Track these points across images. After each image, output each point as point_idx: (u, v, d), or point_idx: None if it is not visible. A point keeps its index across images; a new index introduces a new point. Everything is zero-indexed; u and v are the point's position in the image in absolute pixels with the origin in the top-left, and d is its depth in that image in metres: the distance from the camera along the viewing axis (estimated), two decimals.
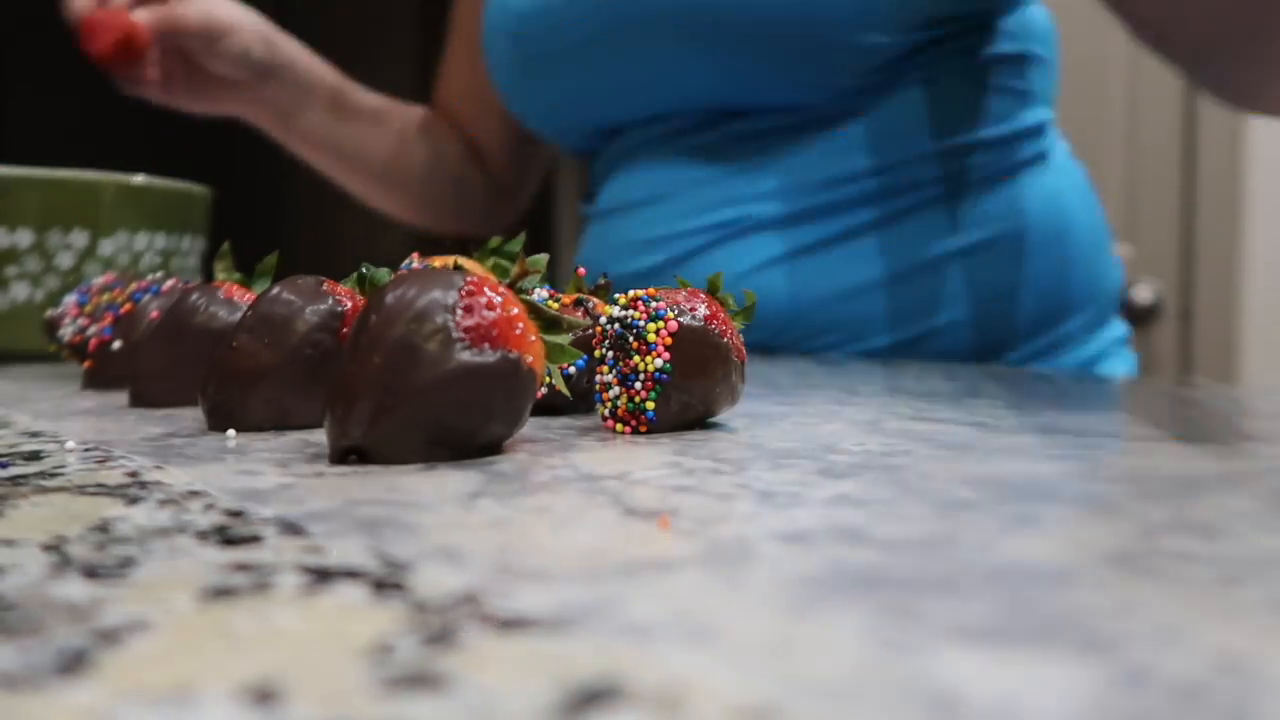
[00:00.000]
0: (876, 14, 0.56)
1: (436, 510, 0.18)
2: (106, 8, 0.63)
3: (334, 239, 2.13)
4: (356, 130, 0.78)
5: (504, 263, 0.36)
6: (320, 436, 0.27)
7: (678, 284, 0.29)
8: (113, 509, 0.18)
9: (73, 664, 0.11)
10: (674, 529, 0.17)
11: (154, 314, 0.39)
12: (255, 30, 0.70)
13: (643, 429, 0.27)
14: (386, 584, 0.14)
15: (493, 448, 0.25)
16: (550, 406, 0.31)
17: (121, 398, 0.35)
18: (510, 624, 0.13)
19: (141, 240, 0.55)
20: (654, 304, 0.27)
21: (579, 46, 0.63)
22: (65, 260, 0.53)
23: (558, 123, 0.70)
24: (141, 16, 0.64)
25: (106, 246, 0.54)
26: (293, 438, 0.27)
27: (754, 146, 0.61)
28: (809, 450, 0.25)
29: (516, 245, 0.38)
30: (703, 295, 0.28)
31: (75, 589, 0.14)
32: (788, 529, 0.17)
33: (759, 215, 0.60)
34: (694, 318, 0.27)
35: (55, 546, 0.16)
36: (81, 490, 0.20)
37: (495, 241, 0.38)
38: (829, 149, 0.60)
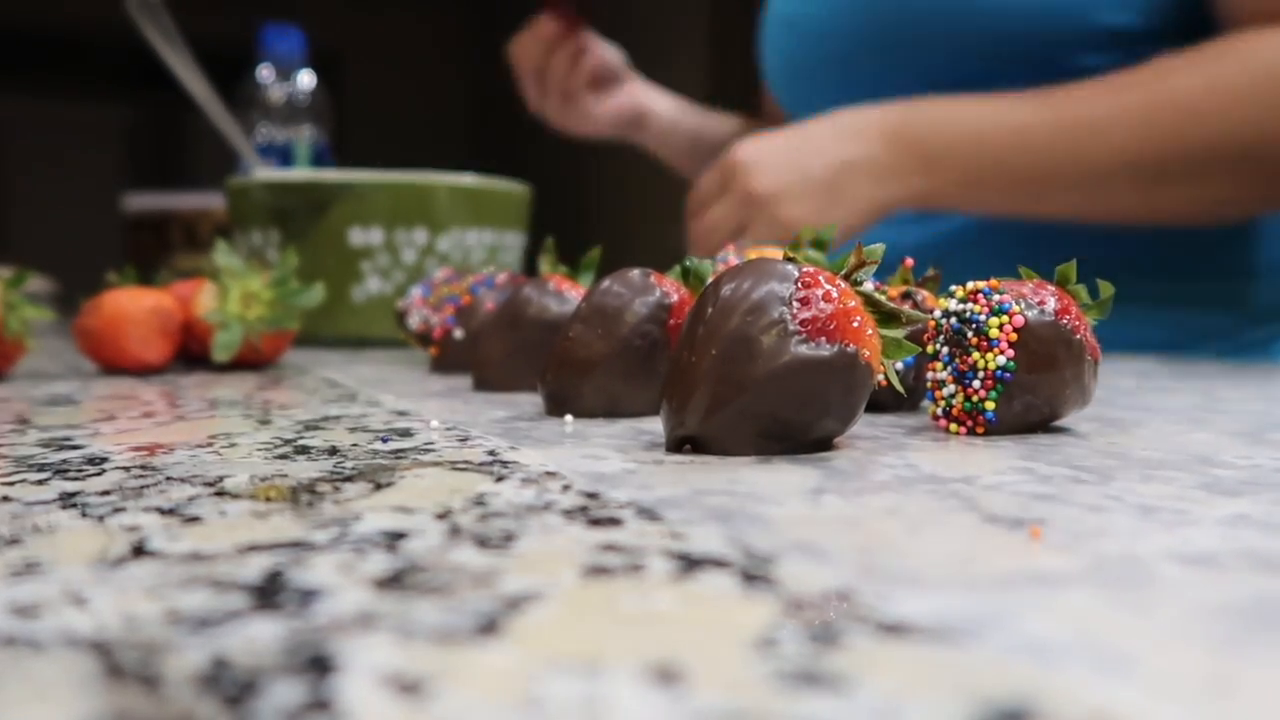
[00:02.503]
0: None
1: (783, 504, 0.18)
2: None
3: (634, 232, 2.23)
4: (709, 158, 0.85)
5: (815, 255, 0.36)
6: (651, 424, 0.28)
7: (1020, 275, 0.27)
8: (484, 485, 0.20)
9: (487, 627, 0.12)
10: (1048, 541, 0.16)
11: (489, 305, 0.42)
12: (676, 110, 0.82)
13: (980, 430, 0.26)
14: (755, 575, 0.14)
15: (824, 443, 0.24)
16: (874, 403, 0.30)
17: (465, 381, 0.39)
18: (894, 628, 0.12)
19: (472, 236, 0.60)
20: (997, 297, 0.25)
21: (843, 53, 0.66)
22: (409, 256, 0.58)
23: (819, 106, 0.72)
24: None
25: (443, 243, 0.59)
26: (625, 425, 0.28)
27: None
28: (1182, 461, 0.22)
29: (830, 234, 0.37)
30: (1051, 287, 0.26)
31: (471, 556, 0.15)
32: (1185, 550, 0.15)
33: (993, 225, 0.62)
34: (1043, 312, 0.25)
35: (444, 516, 0.17)
36: (453, 466, 0.22)
37: (807, 232, 0.38)
38: None
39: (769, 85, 0.75)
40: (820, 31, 0.67)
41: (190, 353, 0.45)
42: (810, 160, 0.56)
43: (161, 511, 0.18)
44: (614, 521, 0.17)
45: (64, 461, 0.22)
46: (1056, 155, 0.54)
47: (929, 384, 0.27)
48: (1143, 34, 0.57)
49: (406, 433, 0.26)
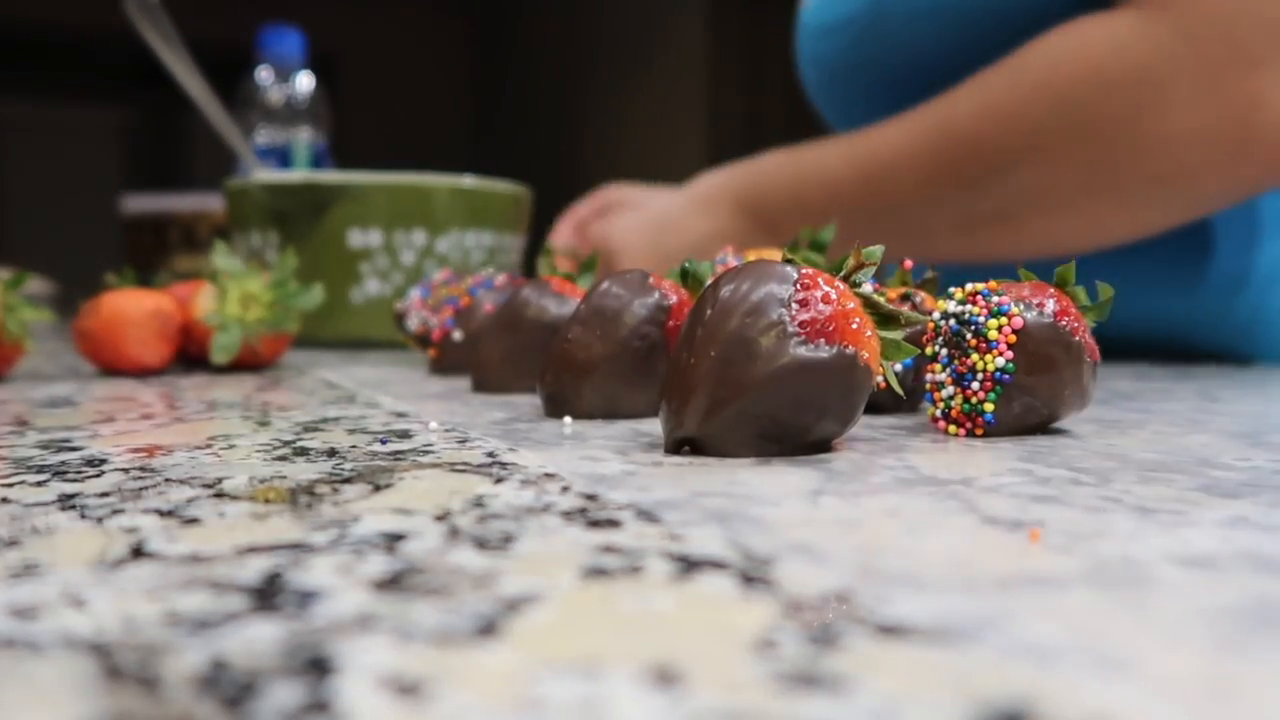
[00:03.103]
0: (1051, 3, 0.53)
1: (782, 505, 0.18)
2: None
3: None
4: None
5: (814, 256, 0.36)
6: (649, 426, 0.28)
7: (1020, 276, 0.27)
8: (483, 486, 0.20)
9: (486, 628, 0.12)
10: (1046, 543, 0.16)
11: (488, 307, 0.42)
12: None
13: (978, 432, 0.26)
14: (753, 577, 0.14)
15: (823, 445, 0.24)
16: (873, 404, 0.31)
17: (464, 383, 0.39)
18: (893, 630, 0.12)
19: (470, 238, 0.60)
20: (995, 298, 0.25)
21: (859, 58, 0.64)
22: (408, 257, 0.58)
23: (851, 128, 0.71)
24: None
25: (442, 244, 0.59)
26: (623, 426, 0.28)
27: None
28: (1181, 463, 0.22)
29: (828, 235, 0.37)
30: (1050, 289, 0.26)
31: (470, 558, 0.15)
32: (1184, 552, 0.15)
33: None
34: (1042, 314, 0.25)
35: (443, 517, 0.17)
36: (452, 467, 0.22)
37: (806, 233, 0.38)
38: None
39: (805, 85, 0.72)
40: (843, 67, 0.64)
41: (189, 354, 0.45)
42: (670, 240, 0.60)
43: (160, 513, 0.18)
44: (613, 523, 0.17)
45: (63, 463, 0.22)
46: (867, 207, 0.53)
47: (928, 386, 0.27)
48: None
49: (405, 434, 0.26)
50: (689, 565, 0.15)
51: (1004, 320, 0.25)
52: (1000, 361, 0.25)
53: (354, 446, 0.24)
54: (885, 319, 0.24)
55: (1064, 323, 0.25)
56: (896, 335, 0.24)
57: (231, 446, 0.24)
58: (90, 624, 0.12)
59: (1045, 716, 0.10)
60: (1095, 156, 0.46)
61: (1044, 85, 0.46)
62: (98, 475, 0.21)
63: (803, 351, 0.23)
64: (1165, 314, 0.59)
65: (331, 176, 0.58)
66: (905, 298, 0.31)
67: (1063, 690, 0.10)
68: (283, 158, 0.81)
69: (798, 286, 0.23)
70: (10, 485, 0.20)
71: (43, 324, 0.71)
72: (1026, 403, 0.25)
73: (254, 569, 0.14)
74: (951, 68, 0.57)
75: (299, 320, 0.45)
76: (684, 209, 0.61)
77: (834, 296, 0.23)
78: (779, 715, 0.10)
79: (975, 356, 0.25)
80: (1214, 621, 0.12)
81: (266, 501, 0.19)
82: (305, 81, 0.82)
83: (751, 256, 0.37)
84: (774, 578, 0.14)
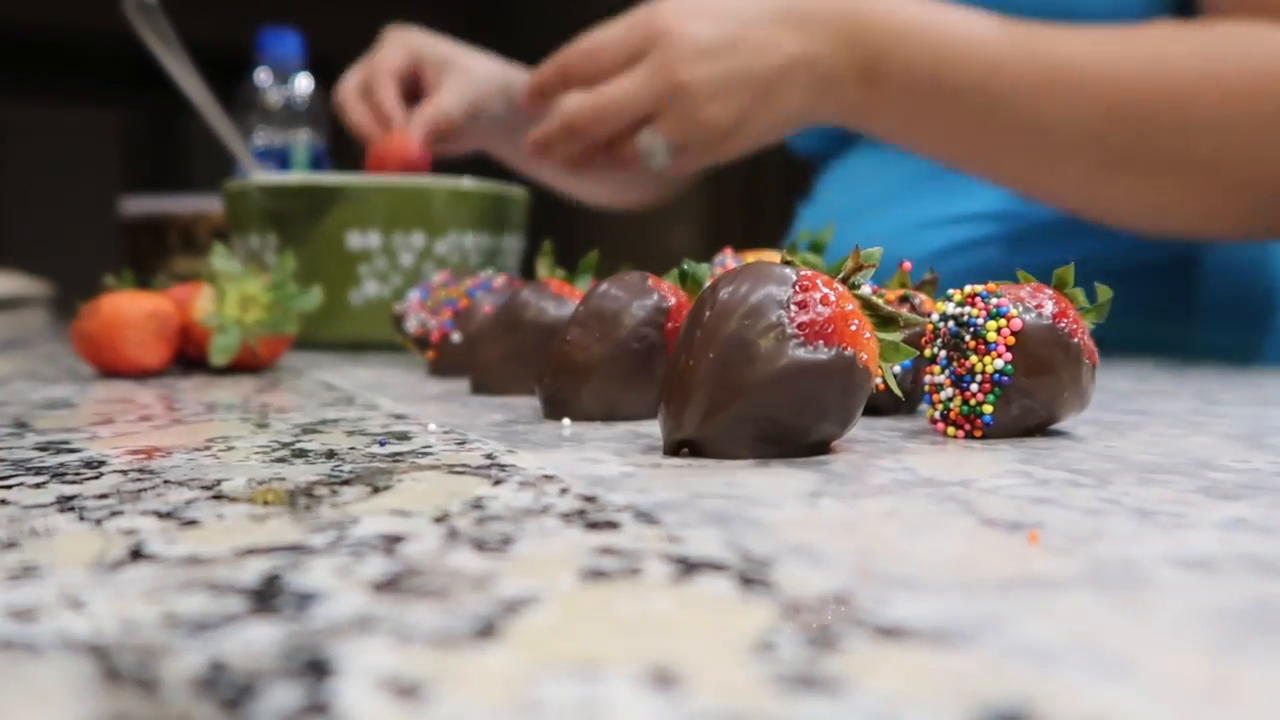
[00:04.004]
0: (1130, 8, 0.51)
1: (780, 507, 0.18)
2: (388, 134, 0.66)
3: (629, 235, 2.23)
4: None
5: (812, 258, 0.36)
6: (648, 428, 0.28)
7: (1019, 278, 0.27)
8: (481, 488, 0.20)
9: (485, 630, 0.12)
10: (1045, 545, 0.16)
11: (487, 309, 0.42)
12: (496, 87, 0.69)
13: (977, 433, 0.26)
14: (752, 579, 0.14)
15: (822, 447, 0.24)
16: (871, 406, 0.31)
17: (462, 385, 0.39)
18: (892, 632, 0.12)
19: (469, 240, 0.60)
20: (994, 300, 0.25)
21: None
22: (407, 259, 0.58)
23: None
24: (415, 131, 0.66)
25: (440, 246, 0.59)
26: (622, 428, 0.28)
27: None
28: (1180, 465, 0.22)
29: (826, 237, 0.37)
30: (1049, 291, 0.26)
31: (469, 560, 0.15)
32: (1182, 553, 0.15)
33: (984, 223, 0.59)
34: (1040, 315, 0.25)
35: (442, 519, 0.17)
36: (451, 469, 0.22)
37: (805, 234, 0.38)
38: None
39: None
40: None
41: (188, 356, 0.45)
42: (748, 53, 0.48)
43: (159, 515, 0.18)
44: (612, 525, 0.17)
45: (62, 465, 0.22)
46: (1019, 107, 0.47)
47: (927, 387, 0.27)
48: None
49: (404, 436, 0.26)
50: (688, 567, 0.15)
51: (1003, 322, 0.25)
52: (999, 363, 0.25)
53: (353, 448, 0.24)
54: (884, 321, 0.24)
55: (1063, 324, 0.25)
56: (895, 337, 0.24)
57: (230, 448, 0.24)
58: (89, 625, 0.12)
59: (1044, 718, 0.10)
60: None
61: (1272, 75, 0.45)
62: (96, 477, 0.21)
63: (801, 353, 0.23)
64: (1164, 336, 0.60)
65: (330, 178, 0.58)
66: (904, 299, 0.31)
67: (1061, 692, 0.10)
68: (281, 159, 0.81)
69: (796, 288, 0.23)
70: (9, 487, 0.20)
71: (40, 325, 0.70)
72: (1025, 404, 0.25)
73: (253, 571, 0.14)
74: None
75: (298, 322, 0.45)
76: (768, 17, 0.48)
77: (833, 298, 0.23)
78: (778, 717, 0.10)
79: (974, 358, 0.25)
80: (1213, 623, 0.12)
81: (265, 503, 0.19)
82: (304, 83, 0.82)
83: (750, 259, 0.37)
84: (773, 579, 0.14)
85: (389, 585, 0.14)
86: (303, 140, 0.82)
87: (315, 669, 0.11)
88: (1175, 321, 0.60)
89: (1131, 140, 0.47)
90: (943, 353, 0.26)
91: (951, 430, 0.26)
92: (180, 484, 0.20)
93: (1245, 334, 0.60)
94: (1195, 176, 0.47)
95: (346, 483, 0.20)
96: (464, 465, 0.22)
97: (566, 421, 0.29)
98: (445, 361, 0.42)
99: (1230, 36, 0.46)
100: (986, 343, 0.25)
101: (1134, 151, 0.47)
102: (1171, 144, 0.46)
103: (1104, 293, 0.27)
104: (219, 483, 0.20)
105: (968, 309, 0.26)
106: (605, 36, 0.50)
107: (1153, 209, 0.49)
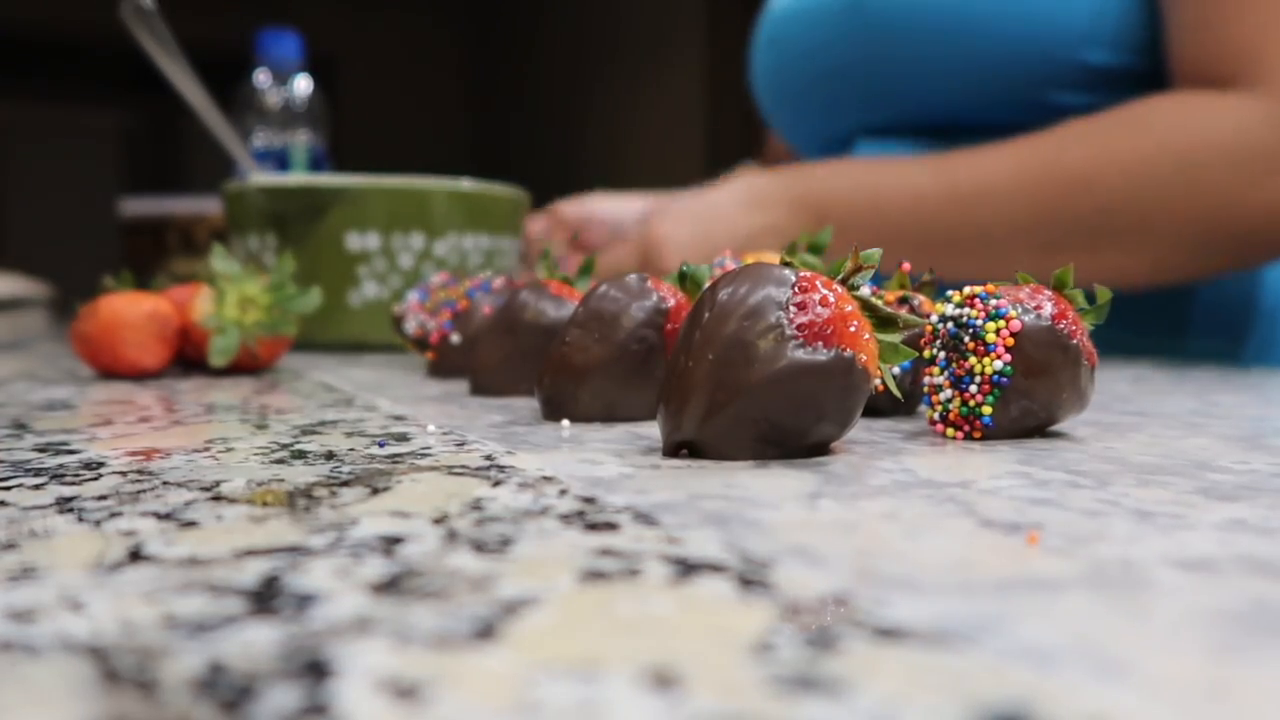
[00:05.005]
0: (1104, 32, 0.57)
1: (779, 508, 0.18)
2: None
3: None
4: None
5: (811, 259, 0.36)
6: (647, 429, 0.28)
7: (1017, 280, 0.27)
8: (480, 489, 0.20)
9: (484, 632, 0.12)
10: (1044, 546, 0.16)
11: (486, 310, 0.42)
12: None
13: (976, 435, 0.26)
14: (751, 580, 0.14)
15: (821, 448, 0.24)
16: (871, 407, 0.31)
17: (461, 386, 0.39)
18: (891, 633, 0.12)
19: (468, 241, 0.60)
20: (993, 301, 0.25)
21: (825, 78, 0.66)
22: (406, 260, 0.58)
23: (802, 127, 0.73)
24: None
25: (439, 247, 0.59)
26: (621, 429, 0.28)
27: None
28: (1179, 466, 0.22)
29: (825, 239, 0.37)
30: (1048, 292, 0.26)
31: (468, 561, 0.15)
32: (1182, 555, 0.15)
33: None
34: (1039, 317, 0.25)
35: (441, 520, 0.17)
36: (450, 470, 0.22)
37: (804, 237, 0.38)
38: None
39: (759, 104, 0.76)
40: (803, 52, 0.68)
41: (187, 358, 0.45)
42: (718, 233, 0.59)
43: (158, 516, 0.18)
44: (611, 526, 0.17)
45: (60, 466, 0.22)
46: (951, 222, 0.55)
47: (926, 389, 0.27)
48: (1125, 74, 0.58)
49: (403, 437, 0.26)
50: (687, 568, 0.15)
51: (1001, 323, 0.25)
52: (998, 364, 0.25)
53: (352, 449, 0.24)
54: (883, 322, 0.24)
55: (1062, 326, 0.25)
56: (894, 338, 0.24)
57: (229, 449, 0.24)
58: (88, 627, 0.12)
59: (1043, 718, 0.10)
60: (1200, 215, 0.50)
61: (1167, 146, 0.50)
62: (95, 478, 0.21)
63: (801, 354, 0.23)
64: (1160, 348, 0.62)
65: (329, 179, 0.58)
66: (903, 301, 0.31)
67: (1061, 693, 0.10)
68: (281, 161, 0.81)
69: (795, 289, 0.23)
70: (8, 488, 0.20)
71: (39, 327, 0.70)
72: (1024, 406, 0.25)
73: (252, 572, 0.14)
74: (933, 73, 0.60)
75: (297, 323, 0.45)
76: (733, 203, 0.60)
77: (832, 299, 0.23)
78: (777, 718, 0.10)
79: (973, 359, 0.25)
80: (1212, 624, 0.12)
81: (264, 504, 0.19)
82: (303, 84, 0.83)
83: (749, 260, 0.37)
84: (772, 580, 0.14)
85: (388, 586, 0.14)
86: (302, 141, 0.82)
87: (314, 670, 0.11)
88: (1164, 334, 0.61)
89: (1058, 225, 0.53)
90: (942, 354, 0.26)
91: (951, 431, 0.26)
92: (179, 485, 0.20)
93: (1234, 344, 0.61)
94: (1128, 241, 0.52)
95: (346, 484, 0.20)
96: (463, 466, 0.22)
97: (565, 423, 0.29)
98: (444, 362, 0.42)
99: (1128, 118, 0.52)
100: (985, 344, 0.25)
101: (1066, 233, 0.53)
102: (1093, 221, 0.52)
103: (1103, 294, 0.27)
104: (218, 484, 0.20)
105: (967, 310, 0.26)
106: (614, 255, 0.63)
107: (1106, 273, 0.54)
